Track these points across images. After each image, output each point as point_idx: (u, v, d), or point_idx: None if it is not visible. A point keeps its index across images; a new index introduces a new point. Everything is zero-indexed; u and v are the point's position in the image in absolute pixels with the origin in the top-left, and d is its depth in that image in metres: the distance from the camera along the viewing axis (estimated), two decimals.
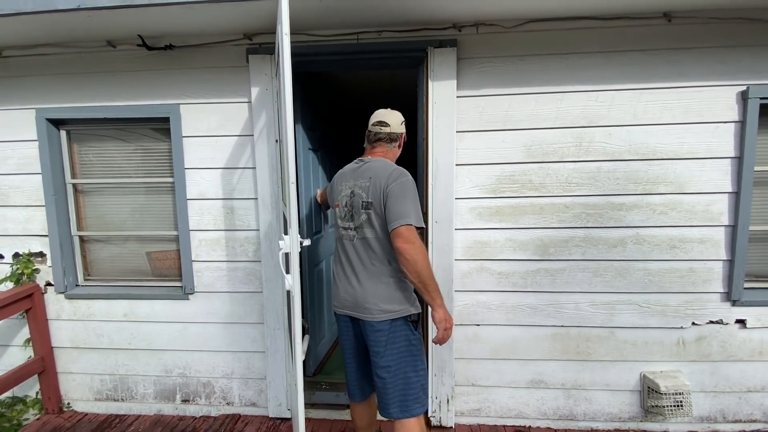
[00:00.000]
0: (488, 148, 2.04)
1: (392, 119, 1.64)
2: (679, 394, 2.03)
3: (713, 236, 2.02)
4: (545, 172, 2.04)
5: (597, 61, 1.96)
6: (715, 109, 1.95)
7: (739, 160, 1.96)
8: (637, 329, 2.10)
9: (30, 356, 2.37)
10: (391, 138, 1.65)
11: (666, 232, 2.04)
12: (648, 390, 2.10)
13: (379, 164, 1.57)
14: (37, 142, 2.25)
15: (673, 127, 1.97)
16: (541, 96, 2.00)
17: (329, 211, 1.76)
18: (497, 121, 2.02)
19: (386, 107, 1.73)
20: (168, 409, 2.41)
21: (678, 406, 2.04)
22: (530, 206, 2.06)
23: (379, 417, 1.80)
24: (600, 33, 1.94)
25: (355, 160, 1.68)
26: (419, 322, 1.62)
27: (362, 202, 1.53)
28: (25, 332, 2.38)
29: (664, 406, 2.05)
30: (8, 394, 2.39)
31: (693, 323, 2.08)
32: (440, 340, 1.55)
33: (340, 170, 1.71)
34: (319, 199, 2.03)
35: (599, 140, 2.00)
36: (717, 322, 2.07)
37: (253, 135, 2.13)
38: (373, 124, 1.65)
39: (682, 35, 1.93)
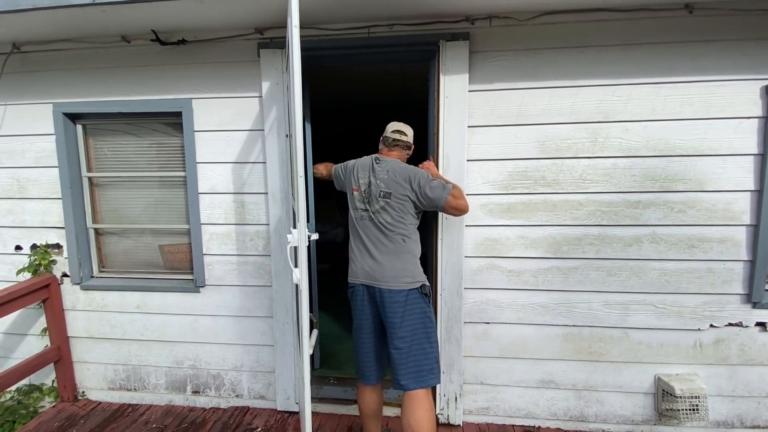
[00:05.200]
0: (500, 144, 2.01)
1: (408, 131, 1.90)
2: (695, 397, 1.98)
3: (734, 236, 1.95)
4: (559, 168, 2.00)
5: (615, 54, 1.91)
6: (738, 104, 1.88)
7: (762, 158, 1.89)
8: (652, 330, 2.05)
9: (46, 345, 2.43)
10: (407, 146, 1.90)
11: (684, 231, 1.98)
12: (662, 393, 2.05)
13: (394, 162, 1.82)
14: (54, 136, 2.30)
15: (693, 122, 1.91)
16: (556, 90, 1.95)
17: (342, 176, 1.95)
18: (510, 116, 1.99)
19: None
20: (179, 399, 2.45)
21: (694, 410, 1.98)
22: (543, 203, 2.03)
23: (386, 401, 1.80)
24: (618, 25, 1.89)
25: (373, 156, 1.88)
26: (431, 296, 1.79)
27: (381, 191, 1.76)
28: (42, 322, 2.44)
29: (679, 410, 1.99)
30: (25, 381, 2.46)
31: (711, 325, 2.02)
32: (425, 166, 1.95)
33: (359, 160, 1.90)
34: (324, 171, 2.08)
35: (615, 136, 1.95)
36: (736, 325, 2.01)
37: (263, 130, 2.14)
38: (392, 132, 1.88)
39: (704, 27, 1.86)
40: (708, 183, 1.94)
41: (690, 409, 1.98)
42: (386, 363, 1.83)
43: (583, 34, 1.91)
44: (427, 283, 1.77)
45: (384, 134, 1.91)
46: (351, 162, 1.94)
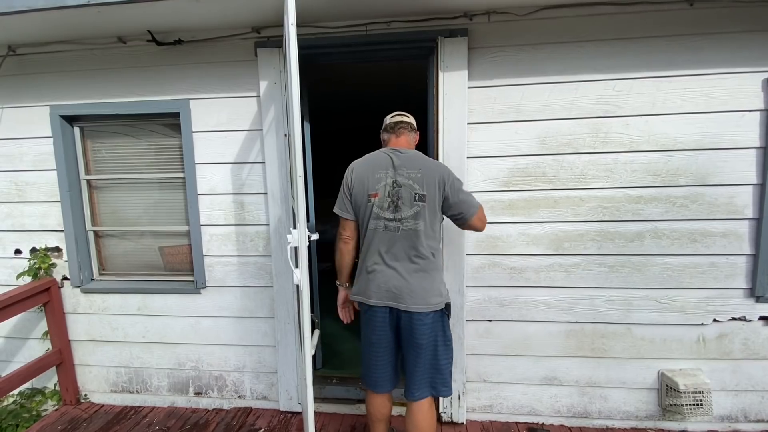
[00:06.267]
0: (500, 140, 1.99)
1: (409, 116, 1.74)
2: (699, 392, 1.97)
3: (737, 230, 1.94)
4: (560, 165, 1.98)
5: (614, 48, 1.89)
6: (740, 97, 1.87)
7: (764, 151, 1.87)
8: (655, 326, 2.04)
9: (48, 349, 2.42)
10: (411, 127, 1.71)
11: (686, 226, 1.97)
12: (666, 388, 2.04)
13: (420, 156, 1.62)
14: (51, 139, 2.28)
15: (694, 116, 1.90)
16: (556, 86, 1.94)
17: (350, 201, 1.65)
18: (510, 112, 1.97)
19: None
20: (181, 401, 2.45)
21: (698, 404, 1.98)
22: (544, 199, 2.01)
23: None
24: (618, 19, 1.87)
25: (384, 149, 1.66)
26: (450, 311, 1.67)
27: (415, 194, 1.53)
28: (43, 325, 2.44)
29: (683, 405, 1.99)
30: (27, 385, 2.45)
31: (714, 320, 2.01)
32: None
33: (366, 159, 1.65)
34: (348, 231, 1.72)
35: (616, 131, 1.94)
36: (739, 319, 2.00)
37: (262, 129, 2.12)
38: (391, 117, 1.73)
39: (705, 20, 1.84)
40: (710, 177, 1.92)
41: (694, 404, 1.98)
42: (399, 369, 1.72)
43: (583, 28, 1.90)
44: (449, 299, 1.66)
45: (384, 124, 1.73)
46: (355, 165, 1.66)
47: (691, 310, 2.02)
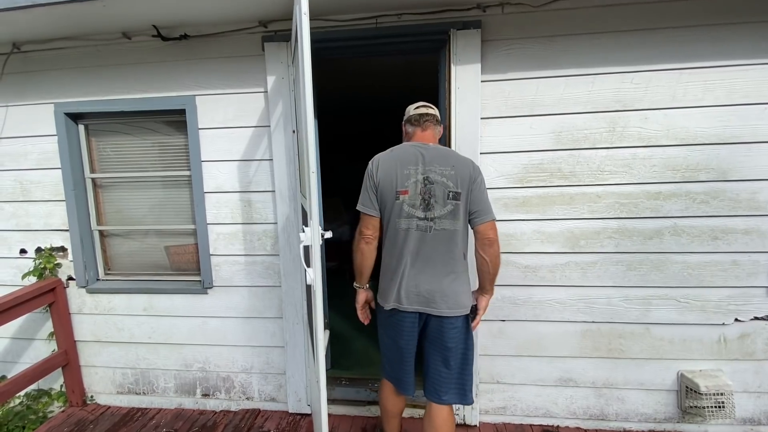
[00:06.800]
0: (514, 135, 1.94)
1: (433, 108, 1.64)
2: (721, 394, 1.92)
3: (759, 226, 1.88)
4: (576, 160, 1.93)
5: (632, 40, 1.83)
6: (763, 89, 1.81)
7: None
8: (675, 326, 1.99)
9: (54, 350, 2.39)
10: (437, 120, 1.62)
11: (707, 223, 1.91)
12: (686, 390, 1.99)
13: (452, 152, 1.57)
14: (56, 137, 2.25)
15: (715, 109, 1.84)
16: (572, 79, 1.88)
17: (376, 196, 1.53)
18: (524, 107, 1.92)
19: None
20: (188, 403, 2.41)
21: (719, 406, 1.92)
22: (559, 196, 1.96)
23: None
24: (636, 9, 1.81)
25: (411, 143, 1.56)
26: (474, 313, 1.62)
27: (449, 192, 1.44)
28: (48, 326, 2.41)
29: (703, 407, 1.93)
30: (34, 386, 2.43)
31: (736, 319, 1.95)
32: (478, 324, 1.62)
33: (392, 153, 1.54)
34: (371, 228, 1.60)
35: (634, 125, 1.88)
36: (762, 319, 1.94)
37: (269, 126, 2.08)
38: (416, 108, 1.62)
39: (727, 9, 1.78)
40: (732, 172, 1.86)
41: (715, 406, 1.92)
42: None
43: (600, 19, 1.84)
44: (475, 302, 1.61)
45: (408, 115, 1.62)
46: (381, 158, 1.53)
47: (712, 310, 1.96)
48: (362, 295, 1.70)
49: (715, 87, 1.83)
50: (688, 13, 1.79)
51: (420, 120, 1.58)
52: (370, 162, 1.55)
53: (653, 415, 2.06)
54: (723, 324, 1.96)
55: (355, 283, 1.70)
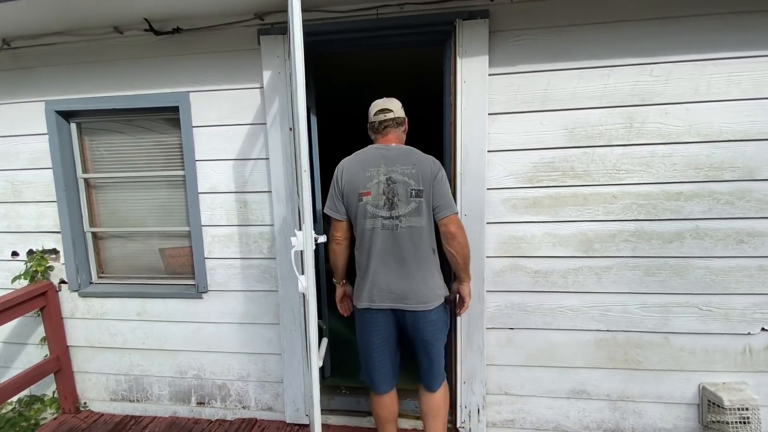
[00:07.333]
0: (524, 132, 1.83)
1: (393, 105, 1.65)
2: (746, 409, 1.79)
3: None
4: (590, 158, 1.81)
5: (652, 29, 1.71)
6: None
7: None
8: (696, 335, 1.86)
9: (46, 355, 2.32)
10: (397, 122, 1.65)
11: (732, 225, 1.78)
12: (708, 403, 1.86)
13: (413, 150, 1.59)
14: (47, 136, 2.17)
15: (742, 103, 1.71)
16: (586, 71, 1.76)
17: (342, 200, 1.62)
18: (535, 102, 1.80)
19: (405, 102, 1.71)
20: (183, 411, 2.33)
21: (744, 422, 1.80)
22: (572, 197, 1.84)
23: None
24: None
25: (374, 146, 1.63)
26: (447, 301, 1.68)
27: (411, 190, 1.51)
28: (40, 331, 2.34)
29: (727, 422, 1.81)
30: (26, 392, 2.36)
31: (762, 329, 1.82)
32: (465, 310, 1.73)
33: (355, 157, 1.62)
34: (340, 231, 1.69)
35: (653, 120, 1.75)
36: None
37: (265, 123, 1.98)
38: (375, 114, 1.65)
39: None
40: (759, 171, 1.73)
41: (740, 422, 1.80)
42: (399, 366, 1.76)
43: (616, 7, 1.72)
44: (447, 291, 1.67)
45: (369, 121, 1.67)
46: (345, 164, 1.61)
47: (737, 318, 1.83)
48: (339, 290, 1.81)
49: (742, 79, 1.70)
50: (713, 0, 1.66)
51: (380, 128, 1.64)
52: (336, 167, 1.63)
53: (672, 430, 1.94)
54: (748, 334, 1.83)
55: (333, 279, 1.82)
